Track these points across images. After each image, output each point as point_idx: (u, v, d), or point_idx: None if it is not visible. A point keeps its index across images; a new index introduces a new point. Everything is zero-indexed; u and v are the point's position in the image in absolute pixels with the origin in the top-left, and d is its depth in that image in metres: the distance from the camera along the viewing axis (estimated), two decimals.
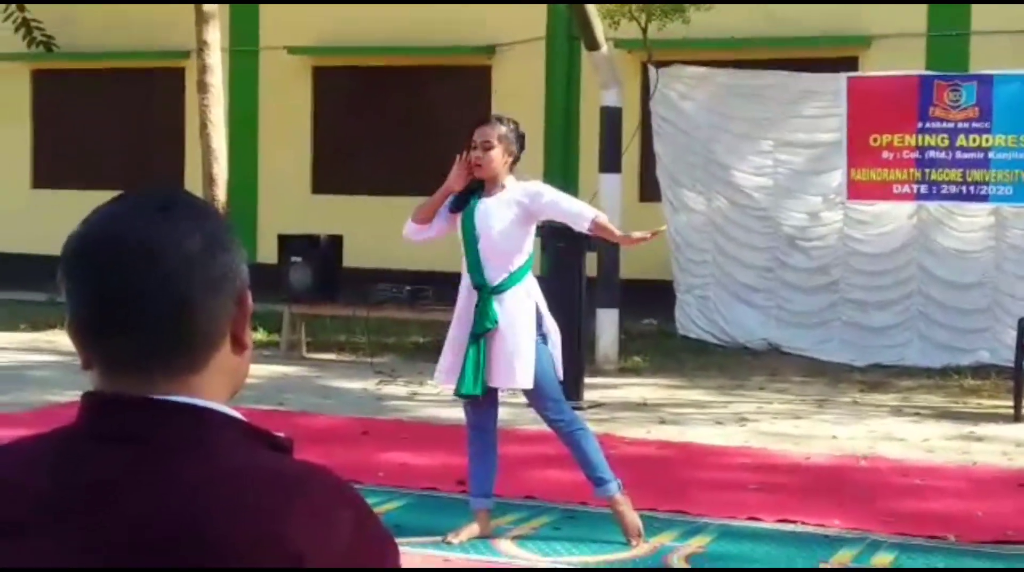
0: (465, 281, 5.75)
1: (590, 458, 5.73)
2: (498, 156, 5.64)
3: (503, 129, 5.67)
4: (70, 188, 16.68)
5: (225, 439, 1.29)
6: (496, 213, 5.65)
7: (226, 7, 15.18)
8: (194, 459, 1.26)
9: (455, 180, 5.78)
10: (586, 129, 14.34)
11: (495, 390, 5.70)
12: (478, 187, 5.75)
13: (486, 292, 5.61)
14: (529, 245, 5.75)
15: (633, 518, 5.76)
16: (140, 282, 1.28)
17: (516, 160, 5.77)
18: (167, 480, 1.25)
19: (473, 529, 5.80)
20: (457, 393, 5.70)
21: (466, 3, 15.25)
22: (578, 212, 5.70)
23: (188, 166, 16.35)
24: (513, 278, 5.65)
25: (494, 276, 5.63)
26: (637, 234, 5.83)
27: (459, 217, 5.76)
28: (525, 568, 5.45)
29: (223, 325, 1.33)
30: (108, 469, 1.26)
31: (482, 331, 5.57)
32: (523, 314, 5.63)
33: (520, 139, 5.77)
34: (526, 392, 5.73)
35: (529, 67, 15.41)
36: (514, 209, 5.64)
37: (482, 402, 5.73)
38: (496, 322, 5.57)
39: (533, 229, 5.81)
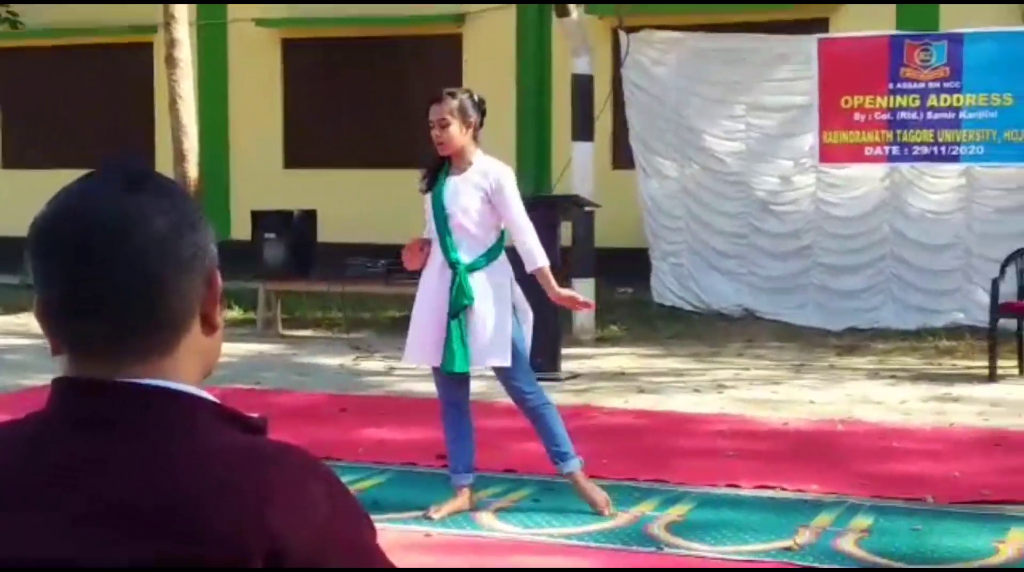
0: (436, 259, 5.69)
1: (555, 432, 5.76)
2: (456, 131, 5.60)
3: (455, 102, 5.61)
4: (39, 168, 16.53)
5: (197, 421, 1.28)
6: (464, 191, 5.63)
7: None
8: (166, 442, 1.25)
9: (409, 261, 5.80)
10: (558, 97, 14.30)
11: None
12: (446, 163, 5.71)
13: (461, 269, 5.60)
14: (500, 222, 5.73)
15: (597, 490, 5.81)
16: (108, 262, 1.27)
17: (479, 127, 5.70)
18: (139, 463, 1.24)
19: (455, 504, 5.80)
20: (445, 371, 5.66)
21: None
22: (531, 252, 5.67)
23: (158, 142, 16.23)
24: (487, 255, 5.66)
25: (468, 254, 5.63)
26: (566, 293, 5.89)
27: (429, 196, 5.73)
28: (506, 541, 5.46)
29: (193, 305, 1.32)
30: (79, 453, 1.25)
31: (459, 308, 5.58)
32: (499, 290, 5.64)
33: (478, 107, 5.68)
34: (497, 367, 5.72)
35: (499, 35, 15.34)
36: (479, 191, 5.63)
37: (458, 378, 5.74)
38: (472, 299, 5.57)
39: None
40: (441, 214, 5.64)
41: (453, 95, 5.65)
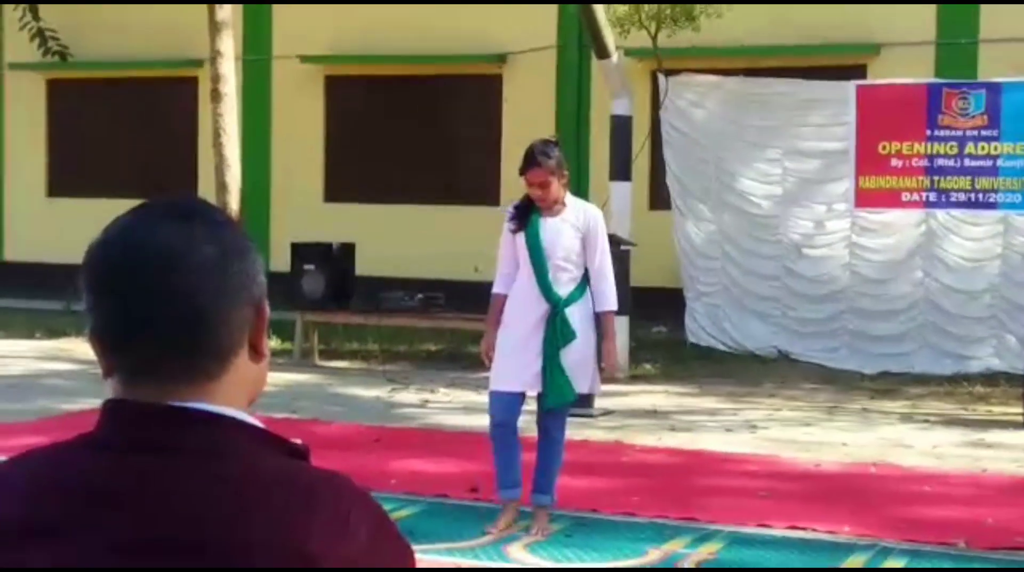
0: (528, 292, 5.99)
1: (554, 466, 6.13)
2: (556, 188, 5.96)
3: (552, 162, 5.94)
4: (85, 197, 16.79)
5: (244, 446, 1.31)
6: (563, 231, 5.97)
7: (239, 16, 15.28)
8: (214, 466, 1.29)
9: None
10: (597, 137, 14.40)
11: (519, 393, 6.06)
12: (532, 204, 6.04)
13: (561, 306, 5.94)
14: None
15: (546, 527, 6.09)
16: (160, 290, 1.30)
17: (567, 178, 6.09)
18: (187, 487, 1.27)
19: (507, 518, 6.09)
20: (553, 404, 5.99)
21: (480, 2, 15.31)
22: (606, 293, 6.05)
23: (201, 174, 16.44)
24: (579, 290, 6.01)
25: (564, 290, 5.97)
26: (613, 350, 6.18)
27: (522, 235, 6.02)
28: None
29: (241, 333, 1.35)
30: (129, 476, 1.28)
31: (564, 344, 5.91)
32: (588, 322, 6.04)
33: (563, 158, 6.06)
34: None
35: (540, 76, 15.47)
36: (576, 234, 5.99)
37: (517, 402, 6.07)
38: (576, 334, 5.93)
39: None
40: (540, 254, 5.95)
41: (548, 155, 5.94)
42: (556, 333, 5.91)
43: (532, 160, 5.93)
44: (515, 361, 5.98)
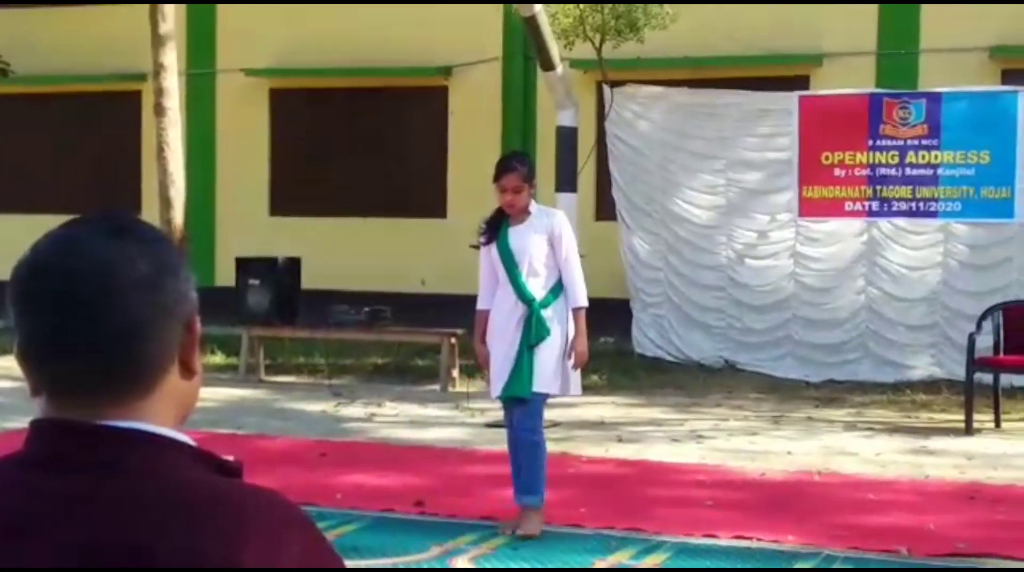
0: (506, 302, 6.25)
1: (532, 467, 6.22)
2: (525, 195, 6.26)
3: (525, 169, 6.29)
4: (27, 212, 16.58)
5: (174, 464, 1.30)
6: (529, 238, 6.25)
7: (183, 30, 15.18)
8: (142, 484, 1.27)
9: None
10: (542, 148, 14.43)
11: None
12: (502, 217, 6.32)
13: (536, 306, 6.20)
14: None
15: (535, 527, 6.19)
16: (89, 306, 1.29)
17: (535, 188, 6.40)
18: (116, 506, 1.26)
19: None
20: (507, 396, 6.21)
21: (426, 4, 15.32)
22: (576, 291, 6.27)
23: (145, 189, 16.30)
24: (552, 294, 6.26)
25: (538, 293, 6.23)
26: (582, 348, 6.31)
27: (493, 247, 6.30)
28: None
29: (172, 350, 1.34)
30: (55, 495, 1.27)
31: (538, 342, 6.16)
32: (561, 326, 6.26)
33: (533, 169, 6.41)
34: (518, 399, 6.22)
35: (485, 87, 15.49)
36: (543, 236, 6.26)
37: (516, 404, 6.27)
38: (549, 332, 6.18)
39: None
40: (511, 260, 6.24)
41: (522, 162, 6.34)
42: (531, 331, 6.17)
43: (508, 166, 6.28)
44: (499, 368, 6.24)
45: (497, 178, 6.24)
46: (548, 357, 6.18)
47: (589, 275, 11.70)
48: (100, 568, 1.23)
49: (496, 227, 6.34)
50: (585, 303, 6.31)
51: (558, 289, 6.27)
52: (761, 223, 12.11)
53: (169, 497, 1.27)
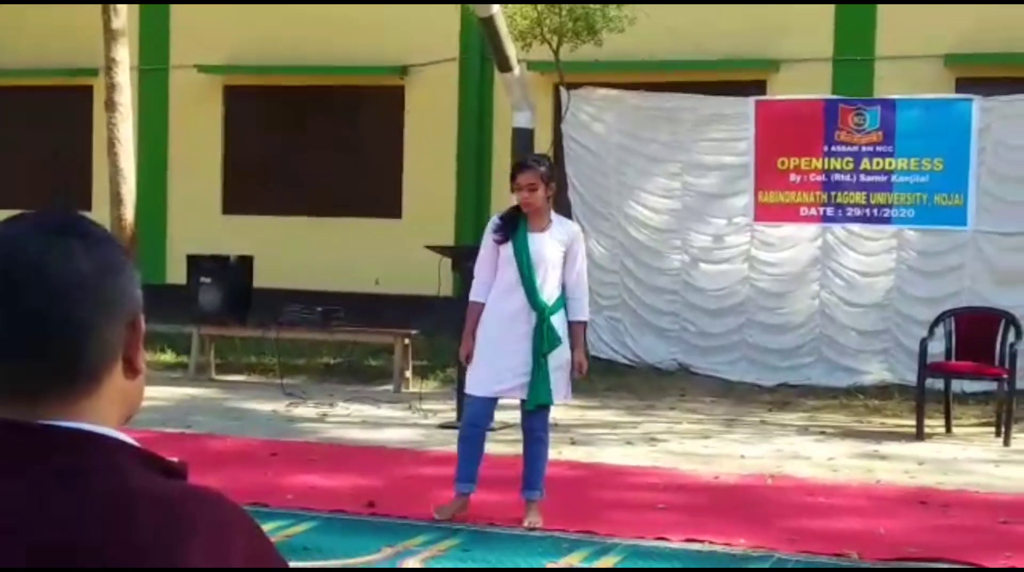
0: (513, 302, 6.35)
1: (542, 465, 6.55)
2: (541, 194, 6.37)
3: (543, 169, 6.41)
4: None
5: (116, 465, 1.27)
6: (550, 246, 6.40)
7: (135, 25, 15.02)
8: (84, 486, 1.24)
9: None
10: (499, 150, 14.41)
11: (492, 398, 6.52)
12: (518, 216, 6.42)
13: (547, 313, 6.33)
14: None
15: (538, 520, 6.42)
16: (31, 305, 1.26)
17: (554, 191, 6.57)
18: (55, 508, 1.23)
19: (458, 505, 6.54)
20: (535, 405, 6.39)
21: (382, 4, 15.25)
22: (584, 305, 6.55)
23: (96, 186, 16.12)
24: (560, 301, 6.43)
25: (547, 300, 6.37)
26: (581, 358, 6.59)
27: (508, 246, 6.38)
28: None
29: (115, 349, 1.31)
30: (1, 497, 1.23)
31: (550, 350, 6.32)
32: (565, 332, 6.46)
33: (553, 172, 6.54)
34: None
35: (442, 88, 15.44)
36: (561, 247, 6.44)
37: (493, 405, 6.56)
38: (560, 341, 6.38)
39: None
40: (528, 265, 6.34)
41: (539, 162, 6.48)
42: (543, 339, 6.31)
43: (524, 164, 6.45)
44: (496, 367, 6.35)
45: (514, 177, 6.38)
46: (558, 365, 6.38)
47: None
48: (48, 568, 1.20)
49: (512, 226, 6.41)
50: (587, 317, 6.65)
51: (562, 299, 6.44)
52: (717, 227, 12.13)
53: (111, 499, 1.24)
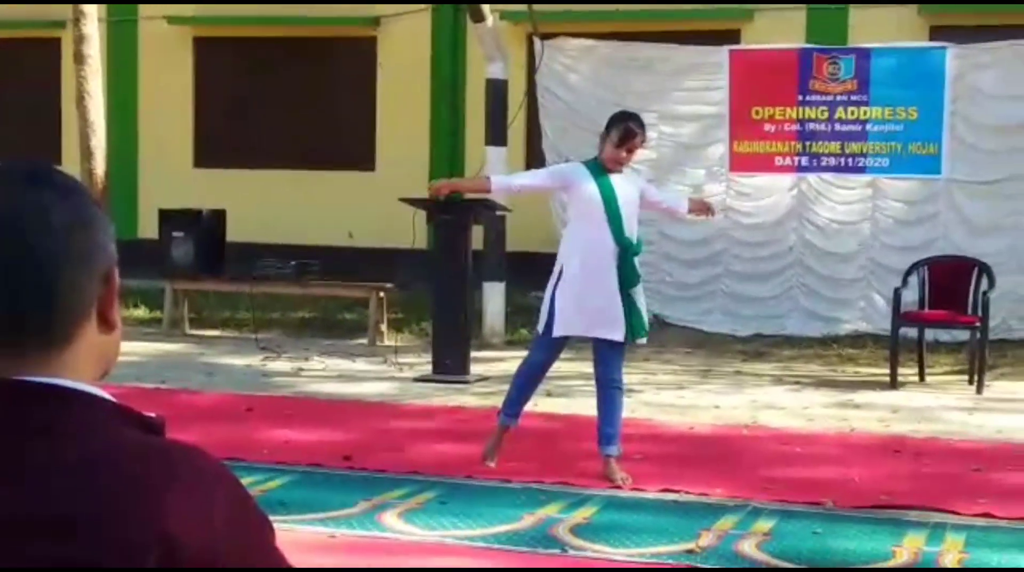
0: (593, 242, 6.47)
1: (616, 416, 6.52)
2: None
3: (644, 134, 6.73)
4: None
5: (93, 420, 1.25)
6: (630, 189, 6.64)
7: None
8: (62, 441, 1.23)
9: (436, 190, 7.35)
10: (472, 101, 14.32)
11: (567, 339, 6.61)
12: (595, 162, 6.64)
13: (631, 251, 6.51)
14: None
15: (617, 473, 6.42)
16: (3, 256, 1.24)
17: None
18: (34, 464, 1.21)
19: (497, 438, 6.71)
20: (632, 340, 6.55)
21: None
22: (680, 201, 7.32)
23: (65, 139, 15.96)
24: (639, 243, 6.63)
25: (631, 236, 6.55)
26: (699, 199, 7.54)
27: (590, 186, 6.51)
28: (411, 542, 5.44)
29: (89, 303, 1.29)
30: None
31: (631, 286, 6.49)
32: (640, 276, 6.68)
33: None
34: (613, 343, 6.49)
35: (414, 38, 15.31)
36: (638, 188, 6.74)
37: (563, 346, 6.67)
38: (640, 279, 6.59)
39: None
40: (615, 205, 6.50)
41: (642, 127, 6.65)
42: (626, 276, 6.49)
43: (632, 132, 6.53)
44: (583, 307, 6.43)
45: (626, 139, 6.50)
46: (640, 305, 6.53)
47: (519, 228, 11.74)
48: (16, 529, 1.19)
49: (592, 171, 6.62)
50: (687, 200, 7.30)
51: (641, 240, 6.68)
52: (693, 177, 12.10)
53: (89, 455, 1.22)
